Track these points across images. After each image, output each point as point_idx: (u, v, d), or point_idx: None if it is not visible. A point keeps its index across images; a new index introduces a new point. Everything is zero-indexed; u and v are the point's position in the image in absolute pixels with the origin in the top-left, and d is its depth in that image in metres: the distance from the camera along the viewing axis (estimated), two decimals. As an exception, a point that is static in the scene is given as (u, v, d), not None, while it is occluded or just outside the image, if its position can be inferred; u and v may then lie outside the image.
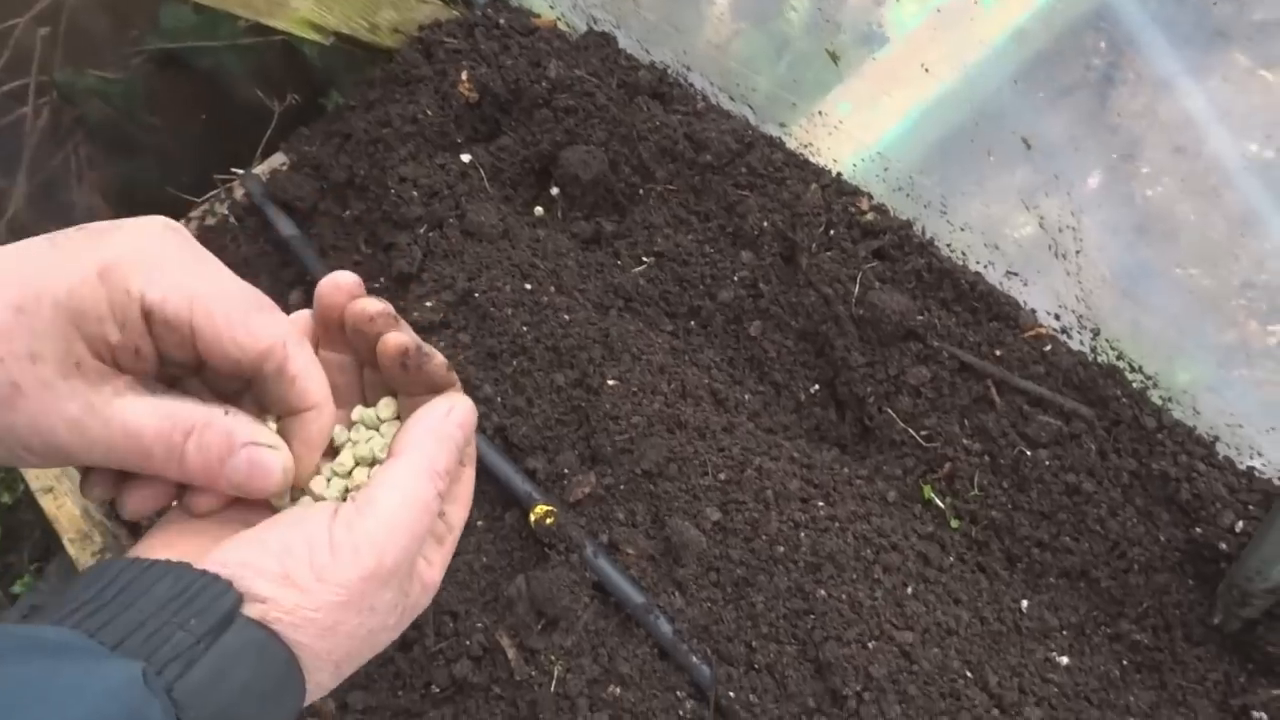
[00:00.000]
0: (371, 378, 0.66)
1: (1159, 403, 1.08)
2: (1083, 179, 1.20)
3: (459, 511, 0.65)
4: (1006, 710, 0.99)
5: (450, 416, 0.61)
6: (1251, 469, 1.05)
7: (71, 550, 1.24)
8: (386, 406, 0.65)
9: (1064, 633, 1.08)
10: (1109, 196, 1.22)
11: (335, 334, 0.63)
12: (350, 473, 0.63)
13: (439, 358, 0.62)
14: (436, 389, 0.63)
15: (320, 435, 0.60)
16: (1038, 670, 1.03)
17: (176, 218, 1.50)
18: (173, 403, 0.55)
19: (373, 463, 0.63)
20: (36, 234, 0.55)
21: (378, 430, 0.65)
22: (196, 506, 0.58)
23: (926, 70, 1.28)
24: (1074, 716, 1.00)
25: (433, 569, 0.62)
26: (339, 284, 0.61)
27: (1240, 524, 1.00)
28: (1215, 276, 1.19)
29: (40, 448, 0.52)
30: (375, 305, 0.60)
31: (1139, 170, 1.26)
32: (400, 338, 0.61)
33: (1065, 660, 1.05)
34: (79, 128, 1.47)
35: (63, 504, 1.26)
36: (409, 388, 0.63)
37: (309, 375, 0.58)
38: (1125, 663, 1.06)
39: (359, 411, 0.65)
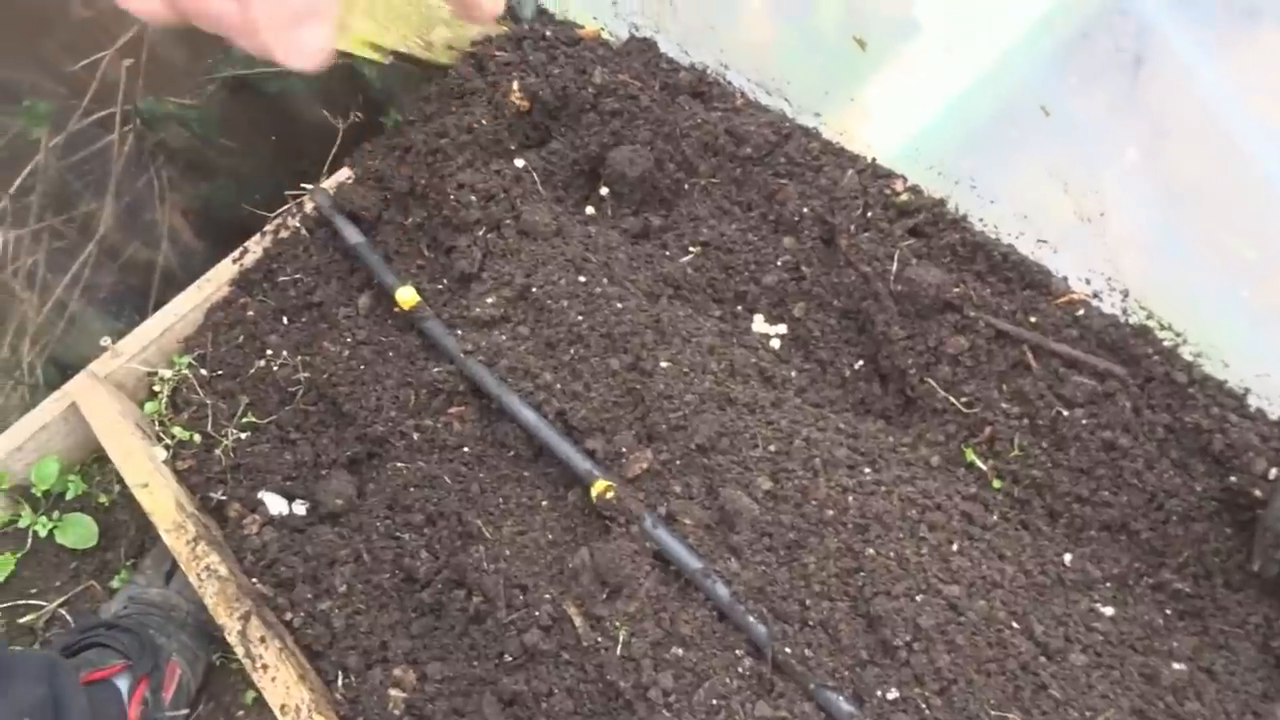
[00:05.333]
0: None
1: (1190, 359, 1.12)
2: (1111, 151, 1.24)
3: None
4: (1052, 657, 1.03)
5: None
6: (1283, 418, 1.08)
7: (167, 540, 1.33)
8: None
9: (1107, 584, 1.12)
10: (1138, 167, 1.26)
11: None
12: None
13: None
14: None
15: None
16: (1082, 619, 1.07)
17: (252, 233, 1.59)
18: None
19: None
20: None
21: None
22: None
23: (956, 56, 1.33)
24: (1118, 662, 1.04)
25: None
26: None
27: (1274, 471, 1.03)
28: (1249, 243, 1.22)
29: None
30: None
31: (1169, 143, 1.29)
32: None
33: (1109, 610, 1.09)
34: (160, 152, 1.57)
35: (158, 497, 1.35)
36: None
37: None
38: (1168, 611, 1.10)
39: None
